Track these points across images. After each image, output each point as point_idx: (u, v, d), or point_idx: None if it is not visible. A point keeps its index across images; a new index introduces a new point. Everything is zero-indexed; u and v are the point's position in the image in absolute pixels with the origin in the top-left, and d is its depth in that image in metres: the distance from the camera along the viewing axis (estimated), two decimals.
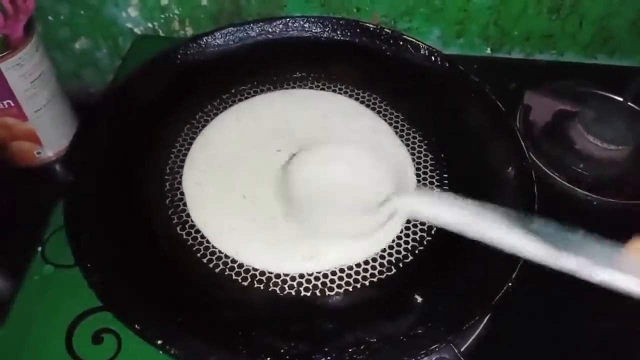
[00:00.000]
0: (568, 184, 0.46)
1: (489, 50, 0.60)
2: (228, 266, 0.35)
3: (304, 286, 0.34)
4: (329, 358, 0.30)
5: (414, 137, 0.43)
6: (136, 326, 0.29)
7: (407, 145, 0.42)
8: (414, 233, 0.37)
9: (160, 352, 0.31)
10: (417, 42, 0.47)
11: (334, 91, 0.46)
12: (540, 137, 0.49)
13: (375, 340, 0.31)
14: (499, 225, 0.29)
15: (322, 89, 0.46)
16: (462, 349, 0.34)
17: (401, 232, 0.37)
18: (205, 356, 0.29)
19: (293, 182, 0.37)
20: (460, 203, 0.33)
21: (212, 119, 0.44)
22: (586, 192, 0.46)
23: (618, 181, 0.46)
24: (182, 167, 0.40)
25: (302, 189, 0.37)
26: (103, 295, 0.31)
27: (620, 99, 0.52)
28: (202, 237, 0.36)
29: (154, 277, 0.33)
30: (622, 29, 0.57)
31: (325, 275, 0.34)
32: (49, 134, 0.49)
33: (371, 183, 0.38)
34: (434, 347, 0.30)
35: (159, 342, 0.29)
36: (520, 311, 0.37)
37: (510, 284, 0.32)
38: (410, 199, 0.36)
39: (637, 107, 0.51)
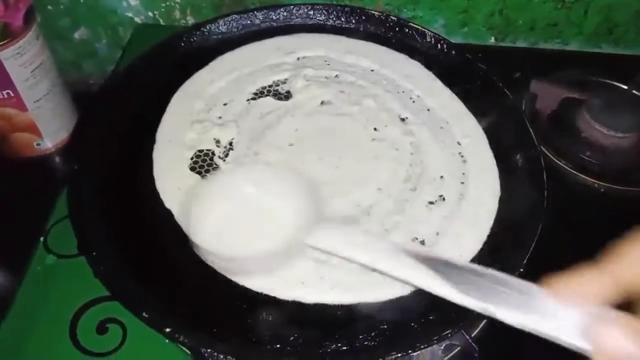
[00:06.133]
0: (575, 172, 0.46)
1: (493, 39, 0.59)
2: None
3: None
4: (339, 345, 0.30)
5: None
6: (144, 314, 0.29)
7: None
8: None
9: (168, 340, 0.31)
10: (423, 29, 0.46)
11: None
12: (547, 126, 0.49)
13: (386, 326, 0.30)
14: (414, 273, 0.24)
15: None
16: (473, 335, 0.33)
17: None
18: (214, 344, 0.29)
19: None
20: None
21: None
22: (593, 180, 0.46)
23: (625, 168, 0.46)
24: None
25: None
26: (109, 285, 0.31)
27: (626, 87, 0.52)
28: None
29: (161, 265, 0.33)
30: (626, 18, 0.57)
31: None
32: (49, 125, 0.48)
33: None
34: (445, 333, 0.29)
35: (167, 330, 0.28)
36: None
37: (521, 270, 0.32)
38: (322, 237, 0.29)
39: None
